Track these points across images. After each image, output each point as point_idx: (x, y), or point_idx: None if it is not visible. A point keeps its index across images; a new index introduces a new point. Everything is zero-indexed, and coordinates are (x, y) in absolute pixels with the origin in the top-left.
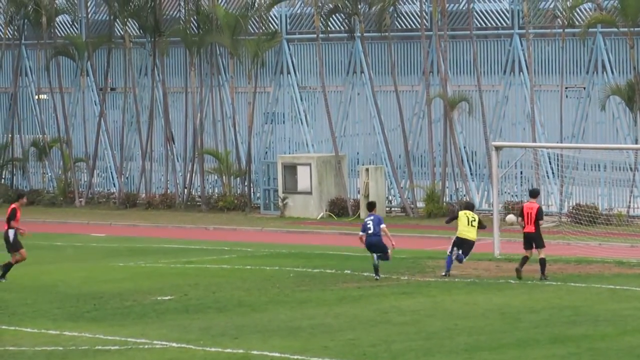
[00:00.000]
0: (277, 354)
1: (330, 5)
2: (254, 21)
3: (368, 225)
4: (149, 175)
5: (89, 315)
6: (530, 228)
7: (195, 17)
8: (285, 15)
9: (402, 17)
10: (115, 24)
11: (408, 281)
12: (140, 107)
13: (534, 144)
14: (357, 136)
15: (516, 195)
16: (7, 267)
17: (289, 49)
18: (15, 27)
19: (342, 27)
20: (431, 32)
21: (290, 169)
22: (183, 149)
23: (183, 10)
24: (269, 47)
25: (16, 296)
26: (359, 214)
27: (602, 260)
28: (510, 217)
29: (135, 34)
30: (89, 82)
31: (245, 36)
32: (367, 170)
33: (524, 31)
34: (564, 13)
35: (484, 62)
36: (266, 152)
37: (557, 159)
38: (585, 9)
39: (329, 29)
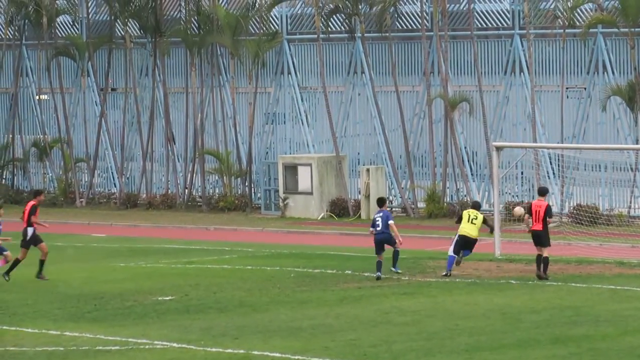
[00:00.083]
0: (278, 354)
1: (331, 6)
2: (255, 21)
3: (377, 222)
4: (149, 176)
5: (89, 315)
6: (538, 226)
7: (196, 18)
8: (286, 16)
9: (402, 17)
10: (116, 24)
11: (409, 281)
12: (141, 107)
13: (534, 145)
14: (357, 136)
15: (517, 196)
16: (15, 263)
17: (290, 49)
18: (16, 28)
19: (342, 27)
20: (432, 33)
21: (291, 170)
22: (184, 149)
23: (184, 11)
24: (270, 47)
25: (17, 297)
26: (360, 215)
27: (603, 260)
28: (519, 210)
29: (135, 34)
30: (90, 82)
31: (246, 36)
32: (367, 170)
33: (524, 31)
34: (565, 13)
35: (485, 63)
36: (267, 153)
37: (558, 160)
38: (585, 10)
39: (329, 29)
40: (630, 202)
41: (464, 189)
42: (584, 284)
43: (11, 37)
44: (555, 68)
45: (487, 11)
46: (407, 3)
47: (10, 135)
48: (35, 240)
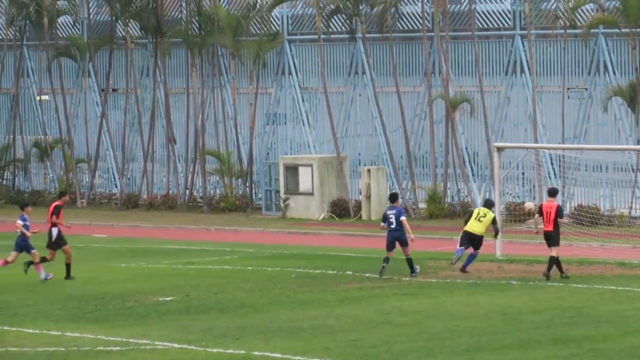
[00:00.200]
0: (278, 355)
1: (332, 6)
2: (256, 22)
3: (390, 220)
4: (150, 176)
5: (90, 316)
6: (549, 227)
7: (196, 18)
8: (287, 16)
9: (403, 18)
10: (117, 24)
11: (409, 282)
12: (142, 108)
13: (535, 145)
14: (358, 137)
15: (518, 197)
16: (42, 260)
17: (291, 50)
18: (17, 28)
19: (343, 28)
20: (433, 33)
21: (292, 170)
22: (185, 150)
23: (185, 11)
24: (271, 48)
25: (18, 297)
26: (361, 215)
27: (604, 261)
28: (529, 204)
29: (136, 34)
30: (91, 83)
31: (247, 37)
32: (368, 171)
33: (525, 32)
34: (566, 14)
35: (486, 63)
36: (268, 153)
37: (559, 160)
38: (587, 10)
39: (330, 29)
40: (632, 203)
41: (465, 190)
42: (585, 285)
43: (12, 37)
44: (557, 68)
45: (488, 11)
46: (408, 3)
47: (11, 136)
48: (60, 241)
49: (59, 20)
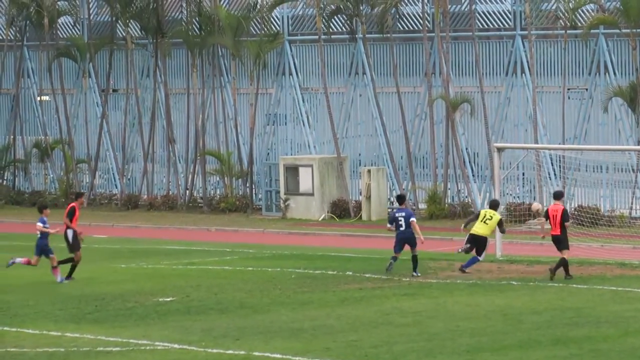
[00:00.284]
0: (278, 355)
1: (332, 7)
2: (256, 22)
3: (400, 222)
4: (150, 177)
5: (90, 316)
6: (556, 231)
7: (197, 19)
8: (287, 17)
9: (404, 18)
10: (117, 25)
11: (410, 282)
12: (142, 108)
13: (536, 146)
14: (359, 137)
15: (518, 197)
16: (71, 263)
17: (291, 50)
18: (17, 29)
19: (344, 28)
20: (433, 34)
21: (292, 171)
22: (185, 151)
23: (185, 12)
24: (271, 48)
25: (18, 297)
26: (361, 216)
27: (604, 261)
28: (537, 205)
29: (137, 35)
30: (91, 83)
31: (247, 37)
32: (368, 171)
33: (526, 32)
34: (566, 14)
35: (486, 64)
36: (268, 154)
37: (559, 161)
38: (587, 10)
39: (330, 30)
40: (632, 203)
41: (465, 190)
42: (585, 285)
43: (12, 38)
44: (557, 69)
45: (488, 12)
46: (408, 4)
47: (12, 136)
48: (76, 243)
49: (59, 20)
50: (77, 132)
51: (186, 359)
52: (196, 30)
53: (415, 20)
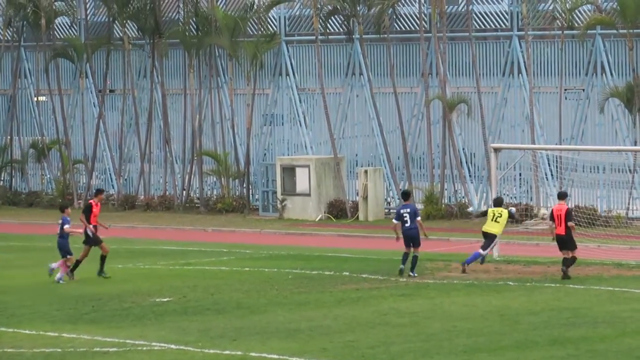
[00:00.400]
0: (275, 356)
1: (329, 7)
2: (253, 23)
3: (405, 218)
4: (147, 177)
5: (87, 317)
6: (561, 230)
7: (194, 19)
8: (284, 17)
9: (400, 18)
10: (114, 25)
11: (406, 283)
12: (139, 108)
13: (532, 146)
14: (355, 138)
15: (515, 197)
16: (102, 259)
17: (288, 51)
18: (15, 29)
19: (340, 28)
20: (430, 34)
21: (289, 171)
22: (182, 151)
23: (182, 12)
24: (268, 48)
25: (15, 298)
26: (358, 216)
27: (601, 262)
28: (543, 211)
29: (134, 35)
30: (88, 84)
31: (244, 38)
32: (365, 172)
33: (523, 33)
34: (563, 15)
35: (483, 64)
36: (265, 154)
37: (556, 161)
38: (584, 11)
39: (327, 30)
40: (629, 204)
41: (462, 191)
42: (582, 286)
43: (9, 38)
44: (554, 69)
45: (485, 12)
46: (405, 4)
47: (9, 137)
48: (95, 238)
49: (56, 21)
50: (74, 132)
51: (183, 359)
52: (193, 30)
53: (412, 20)
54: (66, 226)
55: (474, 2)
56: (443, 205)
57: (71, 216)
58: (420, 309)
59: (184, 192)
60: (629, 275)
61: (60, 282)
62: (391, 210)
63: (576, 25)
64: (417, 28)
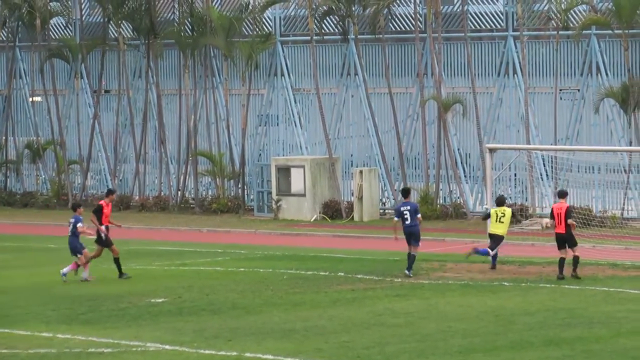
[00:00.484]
0: (270, 356)
1: (324, 7)
2: (248, 23)
3: (405, 216)
4: (142, 178)
5: (82, 317)
6: (561, 228)
7: (189, 19)
8: (279, 17)
9: (396, 19)
10: (109, 26)
11: (402, 283)
12: (134, 109)
13: (528, 146)
14: (350, 138)
15: (510, 198)
16: (116, 262)
17: (283, 51)
18: (9, 30)
19: (336, 29)
20: (425, 34)
21: (284, 171)
22: (177, 151)
23: (177, 12)
24: (263, 49)
25: (9, 298)
26: (353, 216)
27: (596, 262)
28: (545, 220)
29: (129, 36)
30: (83, 84)
31: (239, 38)
32: (360, 172)
33: (518, 33)
34: (558, 15)
35: (478, 64)
36: (260, 155)
37: (551, 161)
38: (579, 11)
39: (323, 31)
40: (624, 204)
41: (457, 191)
42: (577, 286)
43: (4, 39)
44: (549, 70)
45: (480, 13)
46: (400, 5)
47: (4, 137)
48: (107, 240)
49: (51, 21)
50: (69, 133)
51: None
52: (188, 31)
53: (407, 21)
54: (79, 225)
55: (469, 2)
56: (438, 206)
57: (83, 215)
58: (416, 309)
59: (179, 192)
60: (624, 276)
61: (89, 279)
62: (386, 211)
63: (571, 25)
64: (412, 28)
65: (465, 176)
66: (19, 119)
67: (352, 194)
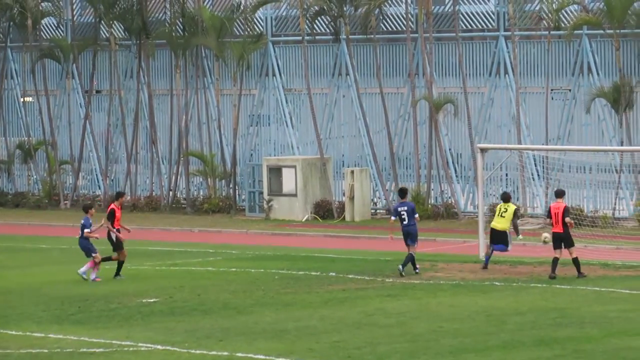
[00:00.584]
0: (262, 356)
1: (316, 8)
2: (240, 23)
3: (403, 216)
4: (134, 178)
5: (74, 317)
6: (559, 228)
7: (180, 20)
8: (271, 18)
9: (387, 19)
10: (101, 26)
11: (393, 283)
12: (126, 109)
13: (519, 146)
14: (342, 138)
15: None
16: (120, 264)
17: (275, 51)
18: (1, 30)
19: (327, 29)
20: (416, 34)
21: (276, 171)
22: (168, 152)
23: (169, 13)
24: (255, 49)
25: (1, 299)
26: (344, 216)
27: (588, 262)
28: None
29: (120, 36)
30: (75, 84)
31: (231, 38)
32: (352, 172)
33: (509, 33)
34: (550, 15)
35: (470, 64)
36: (251, 155)
37: (543, 161)
38: (571, 11)
39: (314, 31)
40: (615, 204)
41: (449, 191)
42: (568, 286)
43: None
44: (540, 70)
45: (472, 13)
46: (392, 5)
47: None
48: (119, 243)
49: (42, 21)
50: (61, 133)
51: (169, 359)
52: (180, 31)
53: (398, 21)
54: (86, 230)
55: (461, 2)
56: (429, 206)
57: (94, 217)
58: (407, 309)
59: (171, 192)
60: (616, 276)
61: (97, 280)
62: (377, 211)
63: (563, 25)
64: (404, 28)
65: (456, 176)
66: (11, 119)
67: (344, 194)
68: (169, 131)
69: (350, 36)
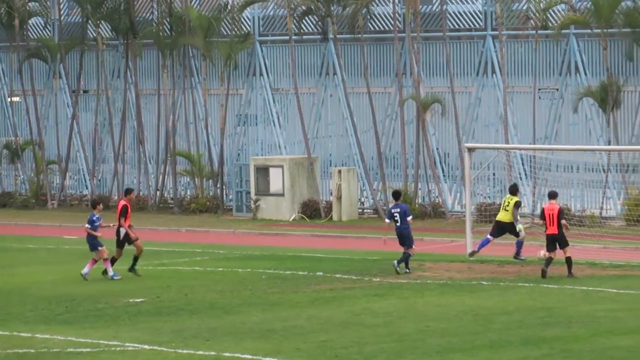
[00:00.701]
0: (249, 356)
1: (303, 7)
2: (227, 23)
3: (396, 218)
4: (121, 178)
5: (61, 317)
6: (553, 229)
7: (168, 19)
8: (258, 17)
9: (375, 18)
10: (88, 26)
11: (380, 283)
12: (113, 109)
13: (506, 146)
14: (329, 138)
15: (489, 197)
16: (113, 261)
17: (262, 51)
18: None
19: (315, 28)
20: (404, 34)
21: (263, 171)
22: (155, 151)
23: (156, 12)
24: (242, 48)
25: None
26: (331, 216)
27: (575, 261)
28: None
29: (107, 36)
30: (62, 84)
31: (218, 38)
32: (339, 172)
33: (497, 33)
34: (537, 14)
35: (457, 64)
36: (239, 154)
37: (530, 161)
38: (558, 11)
39: (301, 30)
40: (602, 203)
41: (436, 191)
42: (556, 285)
43: None
44: (528, 69)
45: (459, 12)
46: (379, 4)
47: None
48: (127, 239)
49: (30, 21)
50: (48, 133)
51: (156, 359)
52: (167, 30)
53: (386, 20)
54: (86, 225)
55: (448, 1)
56: (417, 205)
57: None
58: (394, 309)
59: (158, 192)
60: (603, 275)
61: (117, 277)
62: (365, 210)
63: (550, 25)
64: (391, 28)
65: (444, 175)
66: None
67: (331, 194)
68: (156, 131)
69: (337, 36)
